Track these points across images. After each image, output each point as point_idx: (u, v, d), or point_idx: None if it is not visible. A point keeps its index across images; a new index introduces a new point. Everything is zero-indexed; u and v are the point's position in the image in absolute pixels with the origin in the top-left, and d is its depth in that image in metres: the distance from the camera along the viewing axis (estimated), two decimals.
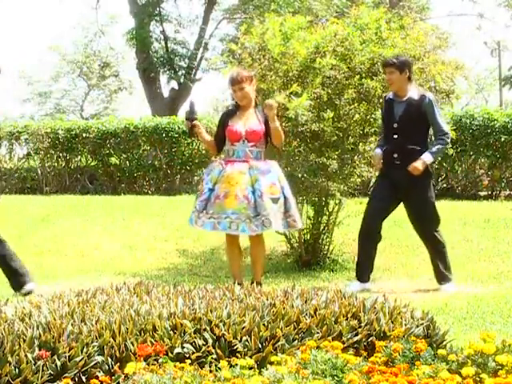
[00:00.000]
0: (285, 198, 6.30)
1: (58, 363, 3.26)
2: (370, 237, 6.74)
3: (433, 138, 6.76)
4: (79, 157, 14.94)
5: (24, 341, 3.31)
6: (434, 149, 6.60)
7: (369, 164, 7.84)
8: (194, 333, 3.56)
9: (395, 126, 6.66)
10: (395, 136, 6.65)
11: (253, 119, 6.31)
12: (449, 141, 6.69)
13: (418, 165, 6.48)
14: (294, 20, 7.61)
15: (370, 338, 3.73)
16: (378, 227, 6.73)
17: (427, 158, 6.54)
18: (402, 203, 6.81)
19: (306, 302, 3.97)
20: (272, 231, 6.88)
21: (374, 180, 13.24)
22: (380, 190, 6.81)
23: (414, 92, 6.66)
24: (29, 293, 6.28)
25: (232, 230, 6.18)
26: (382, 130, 7.04)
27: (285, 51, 7.37)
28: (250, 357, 3.40)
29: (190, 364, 3.28)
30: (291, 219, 6.31)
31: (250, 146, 6.31)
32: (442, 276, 6.73)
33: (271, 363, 3.29)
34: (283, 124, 7.56)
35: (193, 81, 26.65)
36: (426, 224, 6.78)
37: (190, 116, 6.49)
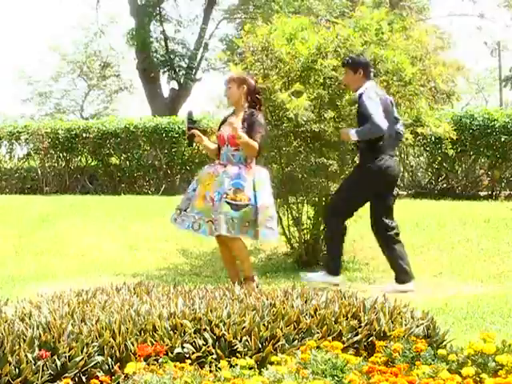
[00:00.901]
0: (256, 207, 6.09)
1: (58, 363, 3.26)
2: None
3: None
4: (79, 157, 14.94)
5: (24, 341, 3.31)
6: (360, 128, 6.72)
7: None
8: (194, 333, 3.56)
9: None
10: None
11: (237, 124, 6.29)
12: (372, 126, 6.59)
13: (344, 131, 6.85)
14: (298, 21, 7.61)
15: (370, 338, 3.74)
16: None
17: (351, 132, 6.71)
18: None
19: (306, 302, 3.97)
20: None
21: None
22: None
23: (361, 89, 6.80)
24: None
25: (193, 229, 6.25)
26: None
27: (288, 51, 7.38)
28: (250, 357, 3.40)
29: (190, 364, 3.28)
30: (255, 230, 6.11)
31: (233, 151, 6.30)
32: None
33: (271, 363, 3.29)
34: (284, 124, 7.57)
35: (193, 81, 26.66)
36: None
37: (189, 126, 6.49)
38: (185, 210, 6.30)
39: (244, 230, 6.09)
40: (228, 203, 6.05)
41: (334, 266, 6.78)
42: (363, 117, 6.62)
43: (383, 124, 6.53)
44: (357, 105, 6.83)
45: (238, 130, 6.13)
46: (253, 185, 6.15)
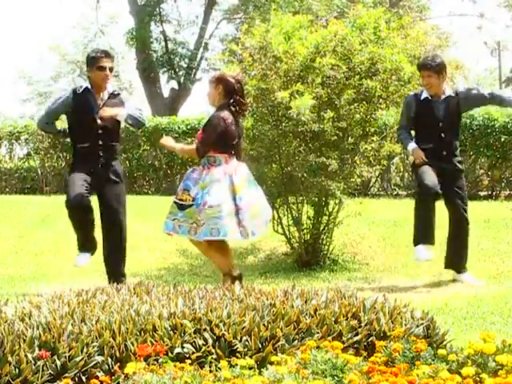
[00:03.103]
0: (197, 206, 5.93)
1: (58, 363, 3.26)
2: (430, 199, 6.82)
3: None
4: None
5: (24, 341, 3.31)
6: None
7: (369, 164, 7.84)
8: (194, 333, 3.56)
9: (440, 125, 6.78)
10: (442, 135, 6.80)
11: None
12: None
13: None
14: (295, 19, 7.61)
15: (370, 338, 3.73)
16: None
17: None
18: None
19: (306, 302, 3.97)
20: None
21: (373, 180, 13.31)
22: (428, 168, 6.82)
23: (448, 90, 6.84)
24: None
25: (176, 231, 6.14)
26: (405, 127, 7.03)
27: (286, 50, 7.38)
28: (250, 357, 3.40)
29: (190, 364, 3.28)
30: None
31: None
32: None
33: (271, 363, 3.29)
34: (283, 124, 7.57)
35: (193, 81, 26.66)
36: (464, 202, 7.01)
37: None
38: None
39: (192, 229, 5.95)
40: (175, 203, 6.06)
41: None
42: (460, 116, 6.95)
43: None
44: (447, 103, 6.80)
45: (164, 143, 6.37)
46: (200, 185, 5.97)
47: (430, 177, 6.70)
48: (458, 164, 6.95)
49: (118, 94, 6.66)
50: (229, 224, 5.86)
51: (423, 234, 6.77)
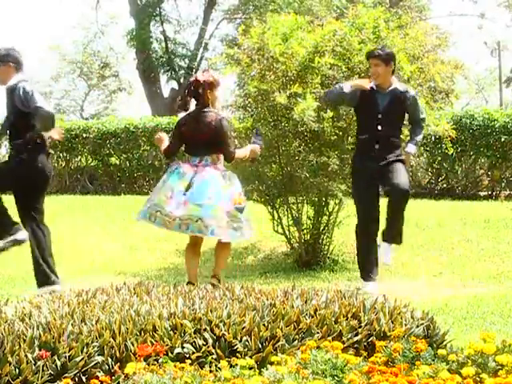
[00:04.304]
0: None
1: (58, 363, 3.26)
2: (369, 235, 6.61)
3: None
4: (79, 157, 14.95)
5: (24, 341, 3.31)
6: (418, 138, 6.65)
7: None
8: (194, 333, 3.56)
9: (379, 116, 6.47)
10: (379, 127, 6.46)
11: None
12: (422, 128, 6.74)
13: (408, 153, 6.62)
14: (293, 20, 7.61)
15: (370, 338, 3.73)
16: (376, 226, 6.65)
17: (412, 148, 6.62)
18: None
19: (306, 302, 3.97)
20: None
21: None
22: (364, 191, 6.58)
23: (397, 84, 6.54)
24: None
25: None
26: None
27: (284, 51, 7.37)
28: (250, 357, 3.40)
29: (190, 364, 3.28)
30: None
31: None
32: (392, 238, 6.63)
33: (271, 363, 3.29)
34: (283, 124, 7.57)
35: None
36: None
37: (256, 142, 6.16)
38: None
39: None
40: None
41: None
42: (404, 115, 6.56)
43: None
44: (392, 96, 6.46)
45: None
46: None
47: (367, 211, 6.51)
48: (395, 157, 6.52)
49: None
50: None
51: (366, 271, 6.54)
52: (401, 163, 6.49)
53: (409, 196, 6.50)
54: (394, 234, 6.57)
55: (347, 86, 6.46)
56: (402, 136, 6.79)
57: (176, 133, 6.20)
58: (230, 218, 5.68)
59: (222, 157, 5.93)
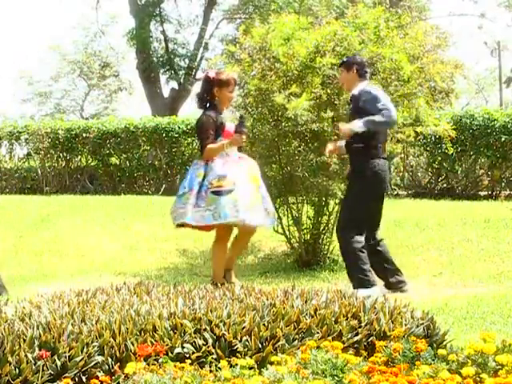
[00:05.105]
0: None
1: (58, 363, 3.26)
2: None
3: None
4: (79, 157, 14.96)
5: (24, 341, 3.31)
6: (369, 118, 6.25)
7: None
8: (194, 333, 3.56)
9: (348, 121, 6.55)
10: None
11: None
12: (386, 115, 6.21)
13: (346, 126, 6.38)
14: (295, 20, 7.61)
15: (370, 338, 3.73)
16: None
17: (358, 124, 6.26)
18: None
19: (306, 302, 3.97)
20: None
21: None
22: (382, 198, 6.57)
23: (360, 87, 6.43)
24: None
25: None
26: None
27: (285, 51, 7.38)
28: (250, 357, 3.40)
29: (190, 364, 3.28)
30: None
31: None
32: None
33: (271, 363, 3.29)
34: (283, 124, 7.57)
35: (193, 81, 26.65)
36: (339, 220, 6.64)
37: (239, 130, 6.23)
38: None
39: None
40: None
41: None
42: (366, 110, 6.21)
43: (395, 115, 6.28)
44: (351, 101, 6.51)
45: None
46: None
47: (377, 219, 6.47)
48: (356, 167, 6.46)
49: None
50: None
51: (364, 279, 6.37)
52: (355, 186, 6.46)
53: None
54: None
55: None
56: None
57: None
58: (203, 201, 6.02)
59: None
